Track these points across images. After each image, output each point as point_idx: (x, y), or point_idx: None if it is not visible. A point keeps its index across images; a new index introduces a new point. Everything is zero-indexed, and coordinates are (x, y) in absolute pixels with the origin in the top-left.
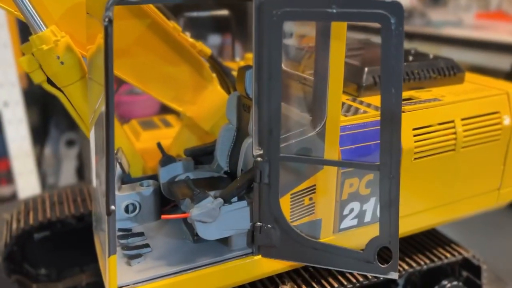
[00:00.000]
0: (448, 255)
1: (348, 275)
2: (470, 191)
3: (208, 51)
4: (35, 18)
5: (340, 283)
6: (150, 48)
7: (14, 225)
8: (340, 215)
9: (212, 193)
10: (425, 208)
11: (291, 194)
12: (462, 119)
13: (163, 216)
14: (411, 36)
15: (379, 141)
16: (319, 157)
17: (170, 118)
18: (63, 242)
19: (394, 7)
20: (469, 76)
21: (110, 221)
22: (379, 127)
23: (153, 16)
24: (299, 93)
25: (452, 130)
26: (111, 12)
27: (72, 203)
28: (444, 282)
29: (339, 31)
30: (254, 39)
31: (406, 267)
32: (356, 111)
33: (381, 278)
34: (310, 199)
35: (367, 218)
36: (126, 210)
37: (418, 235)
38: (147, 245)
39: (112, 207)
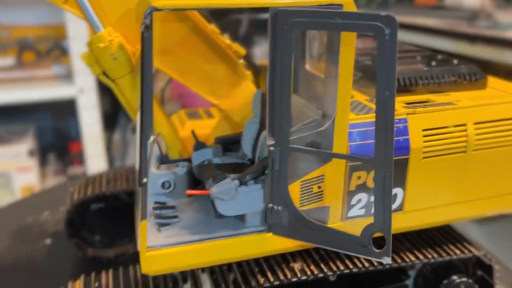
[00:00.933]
0: (457, 251)
1: (355, 260)
2: (483, 192)
3: (243, 51)
4: (95, 20)
5: (347, 267)
6: (191, 48)
7: (75, 196)
8: (348, 204)
9: (231, 175)
10: (435, 204)
11: (301, 181)
12: (475, 123)
13: (187, 192)
14: (473, 39)
15: None
16: (328, 149)
17: (213, 110)
18: (116, 214)
19: (388, 20)
20: (494, 82)
21: (142, 192)
22: None
23: (195, 20)
24: (316, 90)
25: (464, 133)
26: (148, 20)
27: (125, 181)
28: (454, 277)
29: (349, 38)
30: (269, 43)
31: (413, 258)
32: (369, 110)
33: (386, 266)
34: (319, 187)
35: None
36: (162, 186)
37: (431, 231)
38: (176, 217)
39: (144, 179)
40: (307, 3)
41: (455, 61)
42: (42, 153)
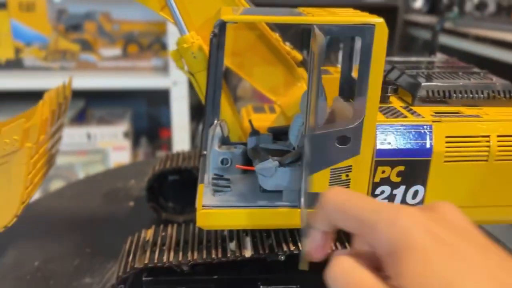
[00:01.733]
0: None
1: None
2: (503, 200)
3: (300, 57)
4: (182, 25)
5: None
6: (257, 52)
7: (156, 168)
8: (372, 194)
9: (274, 158)
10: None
11: (331, 169)
12: (499, 136)
13: (237, 166)
14: None
15: (409, 140)
16: (357, 145)
17: (276, 106)
18: (188, 186)
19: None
20: None
21: (202, 162)
22: (412, 130)
23: (262, 29)
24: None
25: (486, 144)
26: (217, 29)
27: (197, 159)
28: None
29: (380, 46)
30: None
31: None
32: (399, 115)
33: None
34: (347, 175)
35: (397, 201)
36: (221, 162)
37: None
38: (228, 187)
39: (204, 151)
40: (343, 22)
41: (494, 79)
42: (136, 136)
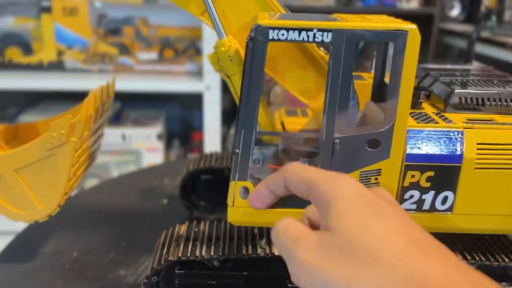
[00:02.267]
0: (506, 259)
1: None
2: None
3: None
4: (220, 29)
5: None
6: (290, 55)
7: (190, 167)
8: (401, 198)
9: (304, 158)
10: (484, 212)
11: (360, 171)
12: None
13: (268, 165)
14: None
15: (439, 146)
16: (387, 149)
17: (309, 110)
18: (220, 186)
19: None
20: None
21: (234, 160)
22: (443, 135)
23: None
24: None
25: None
26: (253, 33)
27: (230, 161)
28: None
29: (412, 52)
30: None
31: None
32: (430, 121)
33: None
34: (376, 179)
35: (426, 206)
36: (253, 162)
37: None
38: None
39: (237, 150)
40: (376, 28)
41: None
42: (169, 138)
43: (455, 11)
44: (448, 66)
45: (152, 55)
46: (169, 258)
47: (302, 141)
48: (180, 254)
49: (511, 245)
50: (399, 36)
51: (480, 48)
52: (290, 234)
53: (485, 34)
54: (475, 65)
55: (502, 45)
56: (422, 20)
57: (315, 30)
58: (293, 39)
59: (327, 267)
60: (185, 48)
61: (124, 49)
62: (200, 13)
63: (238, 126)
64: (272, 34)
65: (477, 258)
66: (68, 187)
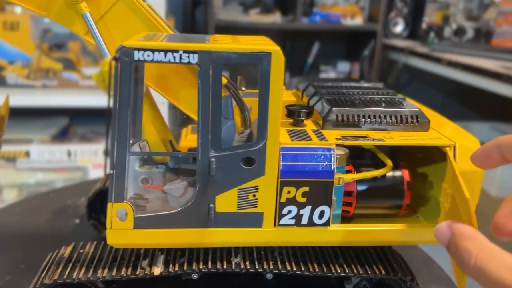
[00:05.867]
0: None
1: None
2: None
3: (224, 80)
4: (104, 48)
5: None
6: (180, 73)
7: (97, 186)
8: (279, 214)
9: (185, 178)
10: (364, 225)
11: (238, 189)
12: None
13: (145, 185)
14: None
15: (311, 163)
16: (262, 166)
17: None
18: None
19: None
20: (444, 126)
21: (110, 180)
22: (315, 152)
23: None
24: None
25: None
26: (117, 54)
27: None
28: None
29: (277, 73)
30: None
31: (347, 271)
32: (305, 138)
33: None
34: (254, 195)
35: (304, 221)
36: (142, 181)
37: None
38: (145, 207)
39: (111, 171)
40: (240, 49)
41: (405, 104)
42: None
43: (399, 28)
44: (343, 84)
45: (98, 70)
46: (45, 282)
47: (190, 160)
48: (56, 277)
49: (392, 256)
50: (263, 58)
51: (420, 63)
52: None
53: (424, 50)
54: (372, 83)
55: (437, 60)
56: (367, 36)
57: (180, 52)
58: (159, 60)
59: None
60: None
61: (69, 65)
62: (85, 33)
63: (112, 146)
64: (137, 55)
65: (356, 271)
66: None
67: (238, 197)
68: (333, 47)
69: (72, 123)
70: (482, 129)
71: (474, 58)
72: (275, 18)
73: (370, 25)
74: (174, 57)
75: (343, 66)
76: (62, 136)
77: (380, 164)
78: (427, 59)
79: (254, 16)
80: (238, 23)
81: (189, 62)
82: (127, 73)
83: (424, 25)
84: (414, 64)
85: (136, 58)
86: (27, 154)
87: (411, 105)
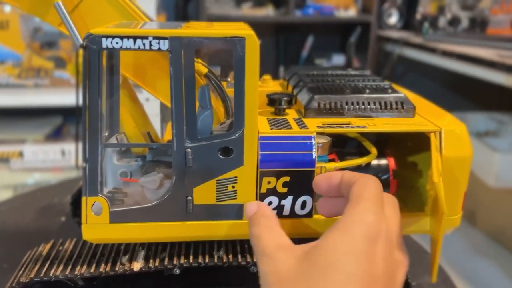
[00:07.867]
0: None
1: None
2: None
3: (205, 69)
4: (78, 38)
5: None
6: (157, 64)
7: (81, 183)
8: None
9: (161, 170)
10: None
11: (216, 180)
12: None
13: (120, 178)
14: None
15: (291, 152)
16: (240, 156)
17: None
18: None
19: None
20: (431, 112)
21: (83, 173)
22: (295, 141)
23: None
24: None
25: None
26: (85, 41)
27: None
28: None
29: (252, 58)
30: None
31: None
32: (285, 127)
33: None
34: (233, 187)
35: (286, 212)
36: (120, 175)
37: None
38: (123, 200)
39: (83, 164)
40: (213, 35)
41: (390, 91)
42: None
43: (393, 19)
44: (329, 72)
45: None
46: (21, 280)
47: (169, 152)
48: (33, 275)
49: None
50: (237, 43)
51: (414, 54)
52: None
53: (418, 40)
54: (357, 70)
55: (432, 50)
56: (360, 27)
57: (150, 38)
58: (128, 47)
59: None
60: None
61: (61, 63)
62: (58, 24)
63: (84, 138)
64: (105, 42)
65: None
66: None
67: (217, 188)
68: (328, 39)
69: (66, 122)
70: (479, 119)
71: (469, 47)
72: (268, 11)
73: (364, 16)
74: (144, 44)
75: (338, 59)
76: (56, 135)
77: (365, 153)
78: (422, 49)
79: (247, 10)
80: (231, 17)
81: (159, 49)
82: (96, 62)
83: (418, 16)
84: (409, 55)
85: (104, 45)
86: (21, 154)
87: (397, 91)
